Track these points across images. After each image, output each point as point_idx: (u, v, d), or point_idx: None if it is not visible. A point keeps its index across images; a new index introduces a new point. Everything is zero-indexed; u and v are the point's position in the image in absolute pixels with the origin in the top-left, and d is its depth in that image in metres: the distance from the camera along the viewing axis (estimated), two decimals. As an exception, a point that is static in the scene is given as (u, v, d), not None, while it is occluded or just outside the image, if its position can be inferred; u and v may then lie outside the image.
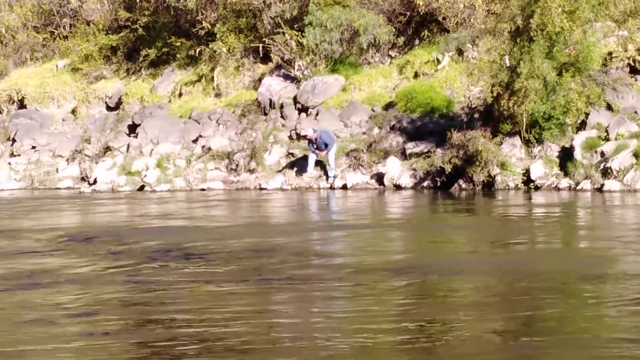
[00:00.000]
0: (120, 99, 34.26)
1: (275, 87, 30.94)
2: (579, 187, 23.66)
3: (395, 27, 31.42)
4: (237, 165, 28.67)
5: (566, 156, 24.60)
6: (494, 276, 11.42)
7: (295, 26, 31.50)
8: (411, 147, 26.93)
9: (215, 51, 32.64)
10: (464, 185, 24.91)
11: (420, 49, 31.30)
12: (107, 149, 31.24)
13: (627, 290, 10.16)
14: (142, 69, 35.01)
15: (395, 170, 26.33)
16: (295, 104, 30.20)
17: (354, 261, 12.70)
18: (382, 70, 31.35)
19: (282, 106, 30.26)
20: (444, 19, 30.86)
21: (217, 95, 32.79)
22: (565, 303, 9.71)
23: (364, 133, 28.49)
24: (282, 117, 30.08)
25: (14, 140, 33.47)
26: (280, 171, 28.25)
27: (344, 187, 26.86)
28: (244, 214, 21.85)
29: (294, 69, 31.17)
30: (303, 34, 30.95)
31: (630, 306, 9.40)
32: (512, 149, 25.13)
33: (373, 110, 29.33)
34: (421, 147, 26.73)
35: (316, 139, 27.02)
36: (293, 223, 19.30)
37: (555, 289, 10.45)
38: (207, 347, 8.06)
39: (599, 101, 25.12)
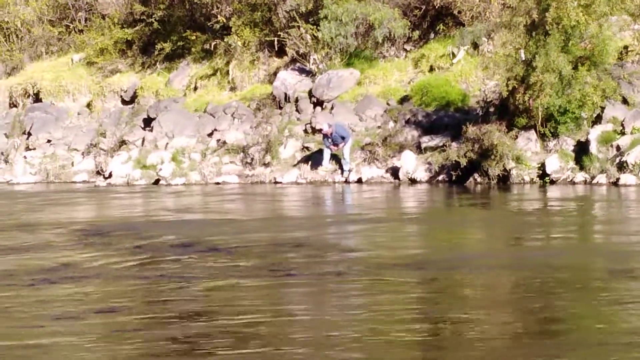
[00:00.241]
0: (135, 92, 34.31)
1: (290, 80, 30.95)
2: (594, 181, 23.63)
3: (410, 21, 31.38)
4: (252, 159, 28.71)
5: (582, 150, 24.57)
6: (518, 271, 11.37)
7: (311, 20, 31.50)
8: (426, 141, 26.93)
9: (230, 45, 32.64)
10: (479, 179, 24.90)
11: (435, 42, 31.26)
12: (122, 142, 31.30)
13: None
14: (158, 63, 35.05)
15: (411, 164, 26.33)
16: (310, 98, 30.21)
17: (375, 256, 12.66)
18: (398, 64, 31.33)
19: (297, 100, 30.28)
20: (459, 12, 30.81)
21: (232, 89, 32.81)
22: (601, 301, 9.57)
23: (379, 127, 28.49)
24: (297, 110, 30.11)
25: (29, 134, 33.56)
26: (295, 165, 28.27)
27: (359, 181, 26.88)
28: (261, 207, 21.87)
29: (309, 62, 31.18)
30: (318, 27, 30.94)
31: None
32: (528, 143, 25.10)
33: (388, 104, 29.32)
34: (436, 141, 26.72)
35: (332, 133, 27.03)
36: (311, 217, 19.33)
37: (583, 285, 10.40)
38: (238, 341, 8.03)
39: (614, 95, 25.09)
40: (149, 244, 14.27)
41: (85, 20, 38.42)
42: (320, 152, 27.79)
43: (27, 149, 33.27)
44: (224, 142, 29.62)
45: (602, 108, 25.13)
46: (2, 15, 38.54)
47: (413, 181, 25.98)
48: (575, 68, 24.54)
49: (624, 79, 25.75)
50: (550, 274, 10.94)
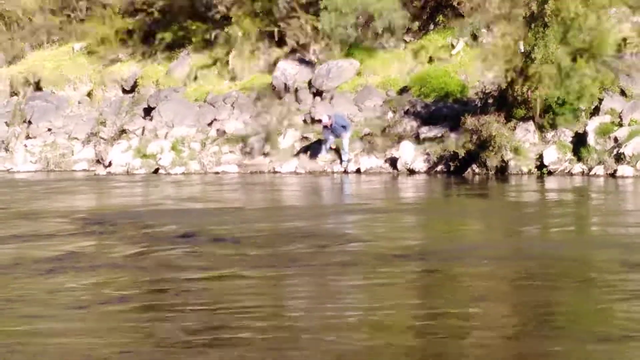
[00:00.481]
0: (135, 82, 34.38)
1: (290, 71, 31.01)
2: (592, 173, 23.72)
3: (410, 12, 31.45)
4: (251, 148, 28.79)
5: (579, 141, 24.65)
6: (517, 262, 11.39)
7: (311, 10, 31.57)
8: (425, 131, 26.99)
9: (230, 35, 32.72)
10: (477, 170, 24.98)
11: (435, 33, 31.33)
12: (123, 131, 31.38)
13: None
14: (158, 52, 35.11)
15: (409, 154, 26.41)
16: (310, 88, 30.28)
17: (376, 246, 12.61)
18: (397, 54, 31.38)
19: (296, 90, 30.34)
20: (458, 3, 30.88)
21: (232, 79, 32.88)
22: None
23: (378, 117, 28.55)
24: (296, 101, 30.17)
25: (30, 123, 33.66)
26: (294, 155, 28.35)
27: (358, 171, 26.96)
28: (262, 197, 21.86)
29: (309, 53, 31.25)
30: (318, 18, 31.02)
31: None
32: (526, 134, 25.18)
33: (387, 94, 29.39)
34: (435, 131, 26.79)
35: (331, 124, 27.10)
36: (312, 207, 19.34)
37: (583, 277, 10.41)
38: (260, 333, 8.00)
39: (612, 87, 25.19)
40: (154, 233, 14.25)
41: (87, 9, 38.47)
42: (319, 142, 27.88)
43: (28, 137, 33.36)
44: (224, 132, 29.70)
45: (600, 100, 25.21)
46: (4, 4, 38.59)
47: (411, 172, 26.06)
48: (574, 60, 24.61)
49: (622, 71, 25.82)
50: (550, 266, 10.91)
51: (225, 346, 7.65)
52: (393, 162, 26.71)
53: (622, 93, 25.47)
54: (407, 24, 31.26)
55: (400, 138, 27.15)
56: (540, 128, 25.20)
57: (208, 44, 34.04)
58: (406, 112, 28.07)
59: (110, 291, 9.95)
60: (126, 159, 29.30)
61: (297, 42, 31.69)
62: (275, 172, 27.72)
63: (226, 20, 33.07)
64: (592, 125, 24.67)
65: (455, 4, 30.96)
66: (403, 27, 31.39)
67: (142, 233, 14.31)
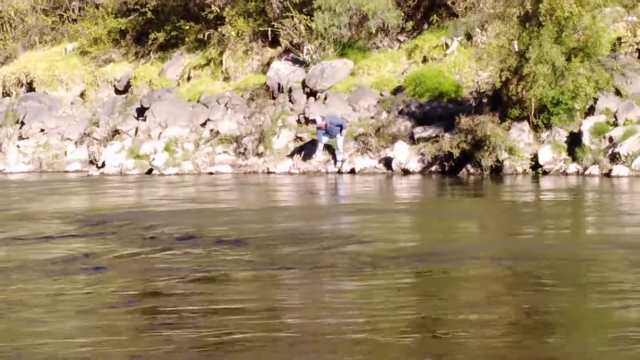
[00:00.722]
0: (128, 82, 34.30)
1: (283, 71, 30.95)
2: (586, 173, 23.68)
3: (404, 12, 31.41)
4: (245, 149, 28.72)
5: (574, 141, 24.61)
6: (514, 263, 11.35)
7: (304, 10, 31.50)
8: (419, 131, 26.94)
9: (224, 35, 32.66)
10: (472, 170, 24.93)
11: (429, 33, 31.29)
12: (116, 132, 31.31)
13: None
14: (151, 53, 35.04)
15: (403, 154, 26.35)
16: (303, 88, 30.21)
17: (374, 248, 12.56)
18: (391, 54, 31.35)
19: (290, 90, 30.28)
20: (452, 3, 30.85)
21: (226, 79, 32.82)
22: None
23: (372, 117, 28.50)
24: (290, 101, 30.11)
25: (22, 123, 33.54)
26: (288, 155, 28.28)
27: (352, 171, 26.90)
28: (259, 198, 21.80)
29: (302, 53, 31.18)
30: (312, 18, 30.95)
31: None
32: (521, 134, 25.14)
33: (381, 94, 29.34)
34: (429, 131, 26.74)
35: (326, 125, 27.02)
36: (310, 208, 19.33)
37: (580, 278, 10.38)
38: (270, 337, 7.94)
39: (607, 86, 25.15)
40: (155, 235, 14.13)
41: (79, 9, 38.39)
42: (313, 142, 27.81)
43: (20, 138, 33.25)
44: (217, 132, 29.62)
45: (595, 99, 25.18)
46: (-4, 5, 38.49)
47: (406, 172, 26.00)
48: (568, 59, 24.59)
49: (617, 71, 25.80)
50: (547, 266, 10.90)
51: (236, 351, 7.59)
52: (387, 162, 26.65)
53: (617, 93, 25.44)
54: (401, 23, 31.21)
55: (394, 138, 27.09)
56: (535, 128, 25.15)
57: (201, 44, 33.98)
58: (400, 112, 28.02)
59: (116, 294, 9.85)
60: (119, 160, 29.23)
61: (291, 42, 31.63)
62: (269, 173, 27.66)
63: (219, 20, 33.01)
64: (586, 125, 24.63)
65: (449, 3, 30.93)
66: (397, 27, 31.35)
67: (142, 235, 14.21)
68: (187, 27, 34.00)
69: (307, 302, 9.51)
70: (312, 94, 30.03)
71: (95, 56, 35.89)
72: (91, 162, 30.85)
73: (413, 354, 7.49)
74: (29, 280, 10.68)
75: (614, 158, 23.54)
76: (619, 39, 27.64)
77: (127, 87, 34.30)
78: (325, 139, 27.36)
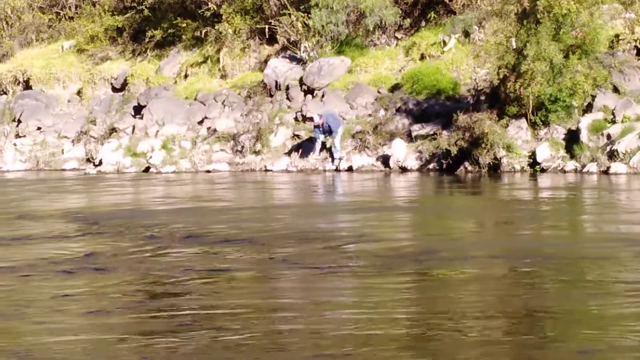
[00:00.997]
0: (125, 80, 34.23)
1: (281, 68, 30.90)
2: (584, 170, 23.64)
3: (401, 9, 31.33)
4: (242, 147, 28.67)
5: (572, 139, 24.57)
6: (513, 262, 11.32)
7: (302, 7, 31.43)
8: (417, 129, 26.89)
9: (221, 32, 32.58)
10: (469, 168, 24.89)
11: (426, 30, 31.22)
12: (113, 130, 31.26)
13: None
14: (148, 50, 34.96)
15: (401, 152, 26.31)
16: (301, 86, 30.16)
17: (374, 247, 12.56)
18: (388, 52, 31.29)
19: (287, 88, 30.22)
20: (450, 0, 30.77)
21: (223, 76, 32.75)
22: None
23: (369, 115, 28.45)
24: (287, 98, 30.05)
25: (19, 121, 33.47)
26: (286, 153, 28.23)
27: (350, 169, 26.86)
28: (259, 196, 21.81)
29: (299, 50, 31.12)
30: (309, 15, 30.87)
31: None
32: (518, 132, 25.10)
33: (379, 92, 29.28)
34: (427, 129, 26.69)
35: (323, 124, 26.97)
36: (312, 206, 19.35)
37: (580, 276, 10.33)
38: (276, 337, 7.92)
39: (605, 84, 25.09)
40: (160, 234, 14.08)
41: (76, 7, 38.27)
42: (311, 140, 27.76)
43: (17, 136, 33.19)
44: (215, 130, 29.56)
45: (593, 97, 25.14)
46: (-8, 2, 38.40)
47: (403, 169, 25.95)
48: (566, 56, 24.54)
49: (615, 68, 25.74)
50: (545, 265, 10.87)
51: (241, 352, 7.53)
52: (385, 160, 26.61)
53: (615, 90, 25.39)
54: (398, 21, 31.13)
55: (392, 136, 27.04)
56: (533, 125, 25.11)
57: (198, 42, 33.91)
58: (398, 110, 27.97)
59: (127, 295, 9.78)
60: (116, 158, 29.18)
61: (288, 40, 31.57)
62: (266, 171, 27.63)
63: (216, 17, 32.93)
64: (584, 122, 24.59)
65: (446, 0, 30.84)
66: (394, 24, 31.27)
67: (145, 234, 14.15)
68: (184, 25, 33.92)
69: (314, 302, 9.46)
70: (309, 91, 29.97)
71: (92, 54, 35.80)
72: (88, 160, 30.81)
73: (413, 355, 7.46)
74: (35, 280, 10.64)
75: (612, 155, 23.50)
76: (616, 36, 27.60)
77: (124, 85, 34.22)
78: (322, 137, 27.28)
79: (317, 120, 27.03)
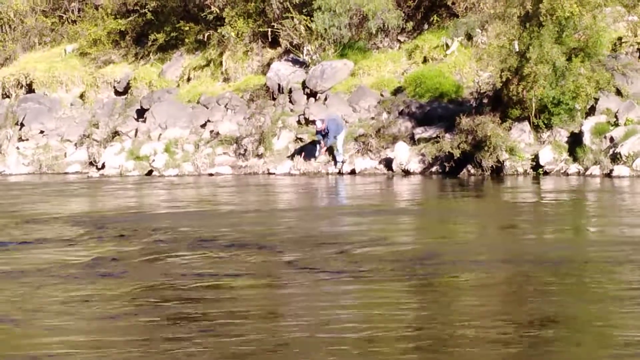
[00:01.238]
0: (128, 83, 34.24)
1: (283, 72, 30.91)
2: (587, 173, 23.66)
3: (404, 12, 31.36)
4: (245, 150, 28.68)
5: (575, 141, 24.59)
6: (517, 267, 11.31)
7: (304, 11, 31.45)
8: (420, 132, 26.90)
9: (223, 36, 32.60)
10: (472, 171, 24.90)
11: (429, 33, 31.23)
12: (116, 133, 31.27)
13: None
14: (151, 54, 34.98)
15: (404, 155, 26.32)
16: (303, 89, 30.17)
17: (380, 251, 12.57)
18: (391, 55, 31.30)
19: (290, 91, 30.24)
20: (453, 3, 30.81)
21: (226, 80, 32.77)
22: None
23: (372, 118, 28.46)
24: (290, 102, 30.06)
25: (22, 125, 33.46)
26: (288, 156, 28.24)
27: (352, 172, 26.86)
28: (264, 199, 21.79)
29: (302, 53, 31.14)
30: (312, 18, 30.90)
31: None
32: (521, 134, 25.11)
33: (382, 95, 29.30)
34: (430, 132, 26.71)
35: (325, 128, 26.94)
36: (316, 209, 19.33)
37: (582, 281, 10.33)
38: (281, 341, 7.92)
39: (608, 86, 25.11)
40: (169, 238, 14.07)
41: (79, 10, 38.29)
42: (313, 143, 27.78)
43: (20, 139, 33.19)
44: (217, 133, 29.58)
45: (596, 99, 25.15)
46: (-5, 6, 38.42)
47: (406, 172, 25.97)
48: (569, 59, 24.57)
49: (618, 70, 25.76)
50: (549, 269, 10.86)
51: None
52: (388, 163, 26.62)
53: (618, 92, 25.41)
54: (401, 24, 31.16)
55: (395, 139, 27.06)
56: (536, 128, 25.12)
57: (201, 45, 33.93)
58: (401, 113, 27.98)
59: (140, 300, 9.76)
60: (119, 161, 29.21)
61: (291, 43, 31.59)
62: (269, 174, 27.63)
63: (219, 21, 32.95)
64: (587, 125, 24.60)
65: (449, 3, 30.88)
66: (397, 27, 31.29)
67: (153, 238, 14.15)
68: (187, 28, 33.95)
69: (322, 307, 9.43)
70: (312, 94, 29.99)
71: (94, 57, 35.81)
72: (91, 164, 30.82)
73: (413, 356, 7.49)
74: (45, 285, 10.60)
75: (615, 158, 23.51)
76: (619, 38, 27.63)
77: (127, 88, 34.23)
78: (328, 142, 27.17)
79: (319, 125, 27.01)
